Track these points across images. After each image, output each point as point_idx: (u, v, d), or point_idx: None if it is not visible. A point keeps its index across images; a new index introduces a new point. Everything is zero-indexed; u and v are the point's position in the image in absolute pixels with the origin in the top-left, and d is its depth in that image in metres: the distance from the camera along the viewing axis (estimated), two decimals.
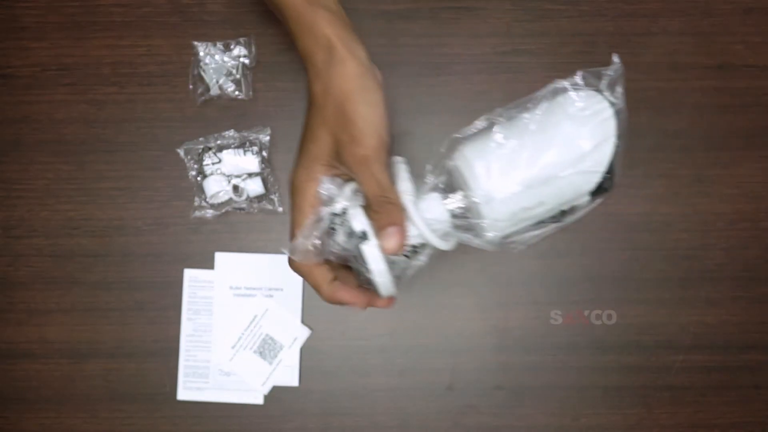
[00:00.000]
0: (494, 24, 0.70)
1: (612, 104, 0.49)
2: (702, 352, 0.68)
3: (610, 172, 0.49)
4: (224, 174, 0.68)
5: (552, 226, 0.52)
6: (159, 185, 0.69)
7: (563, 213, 0.52)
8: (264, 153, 0.68)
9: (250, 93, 0.69)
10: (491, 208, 0.49)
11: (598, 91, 0.49)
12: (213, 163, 0.68)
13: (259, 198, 0.68)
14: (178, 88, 0.69)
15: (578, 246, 0.69)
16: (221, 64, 0.68)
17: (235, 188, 0.68)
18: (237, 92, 0.68)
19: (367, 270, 0.49)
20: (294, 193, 0.52)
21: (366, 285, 0.51)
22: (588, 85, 0.49)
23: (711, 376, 0.68)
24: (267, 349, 0.68)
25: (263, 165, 0.68)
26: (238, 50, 0.68)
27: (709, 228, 0.69)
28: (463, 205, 0.51)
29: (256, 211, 0.68)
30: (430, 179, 0.52)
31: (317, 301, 0.68)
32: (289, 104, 0.69)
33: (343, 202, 0.49)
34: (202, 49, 0.68)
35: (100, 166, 0.69)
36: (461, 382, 0.68)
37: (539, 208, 0.50)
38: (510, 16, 0.70)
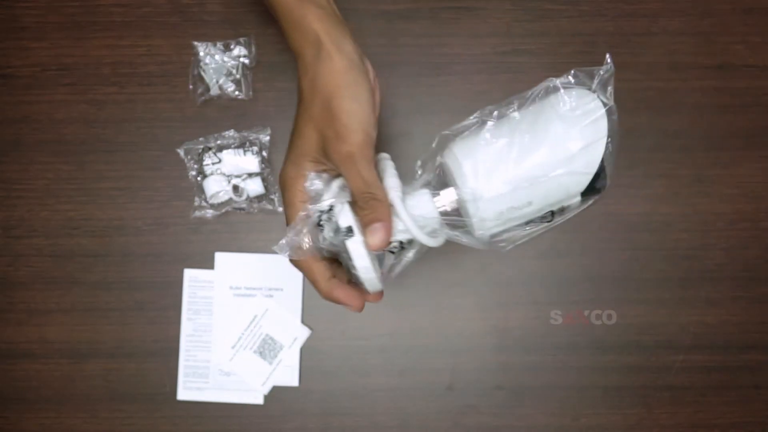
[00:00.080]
0: (494, 24, 0.70)
1: (604, 104, 0.48)
2: (702, 352, 0.68)
3: (602, 173, 0.49)
4: (224, 174, 0.68)
5: (542, 226, 0.51)
6: (159, 185, 0.69)
7: (553, 213, 0.51)
8: (264, 153, 0.68)
9: (250, 93, 0.69)
10: (478, 207, 0.49)
11: (590, 91, 0.49)
12: (213, 163, 0.68)
13: (259, 198, 0.68)
14: (178, 88, 0.69)
15: (578, 246, 0.69)
16: (221, 64, 0.68)
17: (235, 188, 0.68)
18: (237, 92, 0.68)
19: (353, 266, 0.49)
20: (284, 189, 0.52)
21: (354, 280, 0.51)
22: (580, 84, 0.49)
23: (711, 376, 0.68)
24: (267, 349, 0.68)
25: (263, 165, 0.68)
26: (238, 50, 0.68)
27: (709, 228, 0.69)
28: (452, 203, 0.50)
29: (256, 211, 0.68)
30: (420, 175, 0.52)
31: (317, 301, 0.68)
32: (289, 104, 0.69)
33: (329, 199, 0.50)
34: (202, 49, 0.68)
35: (100, 166, 0.69)
36: (461, 382, 0.68)
37: (527, 208, 0.49)
38: (510, 16, 0.70)
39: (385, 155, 0.53)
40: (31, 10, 0.69)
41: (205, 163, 0.68)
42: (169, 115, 0.69)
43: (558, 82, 0.49)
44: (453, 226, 0.50)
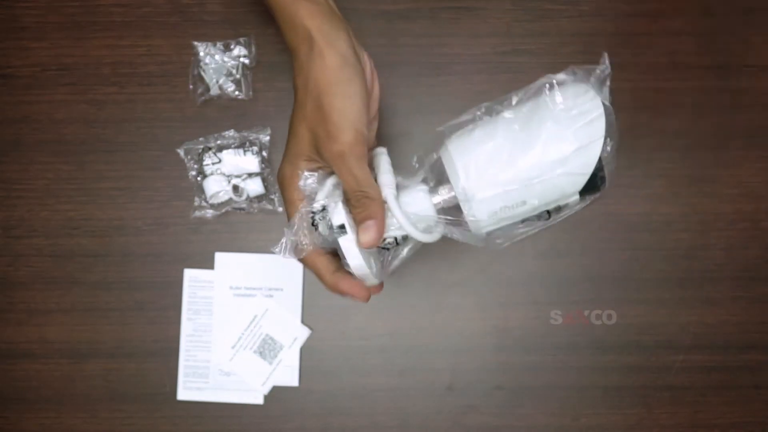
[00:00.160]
0: (494, 24, 0.70)
1: (601, 104, 0.47)
2: (702, 352, 0.68)
3: (599, 172, 0.48)
4: (224, 174, 0.68)
5: (539, 224, 0.51)
6: (159, 185, 0.69)
7: (549, 212, 0.51)
8: (264, 153, 0.68)
9: (250, 93, 0.69)
10: (470, 206, 0.49)
11: (587, 90, 0.48)
12: (213, 163, 0.68)
13: (259, 198, 0.68)
14: (178, 88, 0.69)
15: (578, 246, 0.69)
16: (221, 64, 0.68)
17: (235, 188, 0.68)
18: (237, 92, 0.68)
19: (346, 264, 0.49)
20: (282, 188, 0.52)
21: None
22: (577, 82, 0.48)
23: (711, 376, 0.68)
24: (267, 349, 0.68)
25: (263, 165, 0.68)
26: (238, 50, 0.68)
27: (709, 228, 0.69)
28: (447, 200, 0.50)
29: (256, 211, 0.68)
30: (417, 171, 0.51)
31: (317, 301, 0.68)
32: (289, 104, 0.68)
33: (322, 197, 0.50)
34: (202, 49, 0.68)
35: (100, 166, 0.69)
36: (461, 382, 0.68)
37: (521, 207, 0.49)
38: (510, 16, 0.70)
39: (381, 150, 0.53)
40: (31, 10, 0.69)
41: (205, 163, 0.68)
42: (169, 115, 0.69)
43: (554, 79, 0.48)
44: (448, 222, 0.50)
